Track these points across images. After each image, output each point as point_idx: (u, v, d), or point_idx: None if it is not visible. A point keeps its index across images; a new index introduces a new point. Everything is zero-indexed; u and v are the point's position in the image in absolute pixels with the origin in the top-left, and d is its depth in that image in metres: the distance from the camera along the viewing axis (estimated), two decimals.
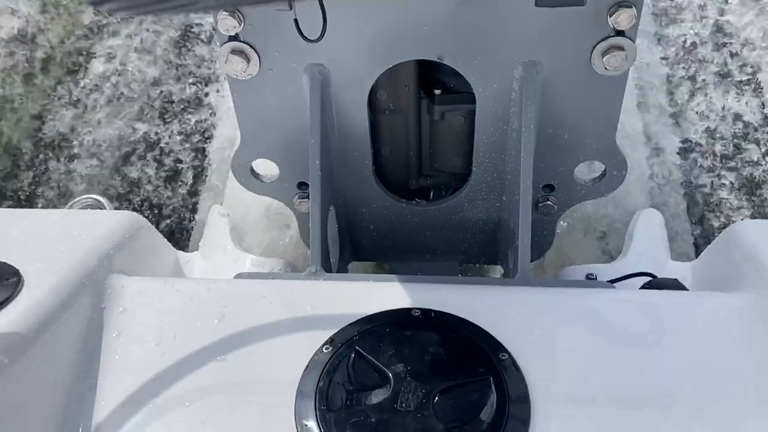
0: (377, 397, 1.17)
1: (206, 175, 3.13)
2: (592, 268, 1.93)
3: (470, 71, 1.46)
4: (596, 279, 1.79)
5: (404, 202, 1.79)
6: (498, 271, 2.23)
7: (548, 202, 1.68)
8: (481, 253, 1.90)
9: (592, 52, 1.38)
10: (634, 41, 1.36)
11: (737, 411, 1.16)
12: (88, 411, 1.21)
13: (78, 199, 2.10)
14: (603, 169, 1.63)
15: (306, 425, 1.14)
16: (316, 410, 1.15)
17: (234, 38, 1.42)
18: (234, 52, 1.43)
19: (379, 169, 1.76)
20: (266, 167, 1.73)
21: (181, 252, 1.93)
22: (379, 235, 1.86)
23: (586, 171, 1.67)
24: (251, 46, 1.43)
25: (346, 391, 1.19)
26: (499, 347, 1.24)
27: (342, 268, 1.86)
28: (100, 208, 2.05)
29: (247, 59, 1.44)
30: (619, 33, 1.35)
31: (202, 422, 1.17)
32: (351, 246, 1.91)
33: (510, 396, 1.16)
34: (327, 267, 1.59)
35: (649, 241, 2.01)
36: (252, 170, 1.71)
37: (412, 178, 1.84)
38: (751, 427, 1.14)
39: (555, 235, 1.80)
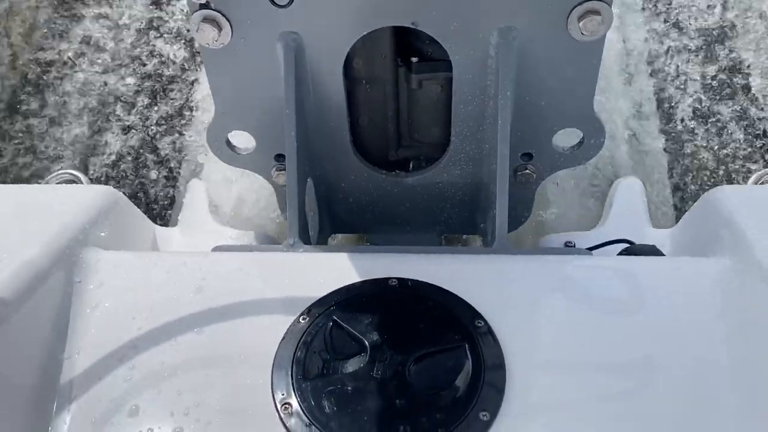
0: (353, 365, 1.17)
1: None
2: (570, 236, 1.94)
3: (446, 38, 1.44)
4: (575, 247, 1.80)
5: (383, 174, 1.77)
6: (479, 241, 2.23)
7: (527, 171, 1.67)
8: (462, 223, 1.90)
9: (568, 16, 1.36)
10: (610, 5, 1.34)
11: (712, 375, 1.17)
12: (62, 385, 1.20)
13: (55, 173, 2.08)
14: (581, 136, 1.62)
15: (282, 395, 1.14)
16: (292, 380, 1.15)
17: (205, 6, 1.39)
18: (205, 20, 1.40)
19: (358, 140, 1.75)
20: (242, 139, 1.71)
21: (159, 227, 1.92)
22: (359, 207, 1.85)
23: (565, 139, 1.66)
24: (223, 14, 1.40)
25: (322, 360, 1.19)
26: (476, 315, 1.24)
27: (322, 241, 1.85)
28: (77, 183, 2.03)
29: (219, 28, 1.41)
30: None
31: (179, 394, 1.17)
32: (331, 218, 1.90)
33: (485, 363, 1.16)
34: (305, 239, 1.58)
35: (628, 209, 2.02)
36: (228, 142, 1.69)
37: (391, 149, 1.82)
38: (725, 390, 1.15)
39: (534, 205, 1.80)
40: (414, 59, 1.60)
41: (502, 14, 1.39)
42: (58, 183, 2.02)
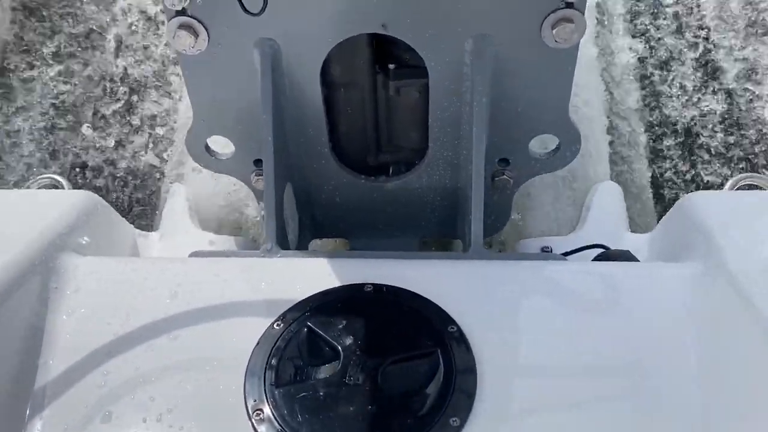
0: (326, 371, 1.18)
1: None
2: (547, 240, 1.95)
3: (421, 45, 1.45)
4: (551, 252, 1.81)
5: (363, 179, 1.78)
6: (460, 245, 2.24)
7: (504, 176, 1.68)
8: (442, 227, 1.91)
9: (541, 24, 1.38)
10: (582, 13, 1.36)
11: (681, 378, 1.18)
12: (36, 390, 1.20)
13: (36, 178, 2.07)
14: (557, 142, 1.63)
15: (254, 401, 1.15)
16: (264, 386, 1.16)
17: (181, 13, 1.39)
18: (182, 27, 1.40)
19: (337, 146, 1.75)
20: (222, 144, 1.72)
21: (140, 231, 1.92)
22: (339, 211, 1.86)
23: (541, 145, 1.68)
24: (199, 21, 1.41)
25: (295, 366, 1.19)
26: (449, 320, 1.25)
27: (302, 246, 1.86)
28: (59, 188, 2.02)
29: (196, 34, 1.41)
30: (569, 5, 1.35)
31: (152, 399, 1.18)
32: (311, 223, 1.90)
33: (457, 368, 1.17)
34: (284, 244, 1.59)
35: (606, 214, 2.03)
36: (207, 147, 1.69)
37: (371, 154, 1.83)
38: (694, 393, 1.17)
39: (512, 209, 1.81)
40: (391, 66, 1.61)
41: (476, 22, 1.40)
42: (39, 188, 2.01)
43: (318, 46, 1.46)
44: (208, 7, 1.39)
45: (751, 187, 1.86)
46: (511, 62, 1.45)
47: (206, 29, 1.42)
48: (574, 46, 1.42)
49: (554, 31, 1.38)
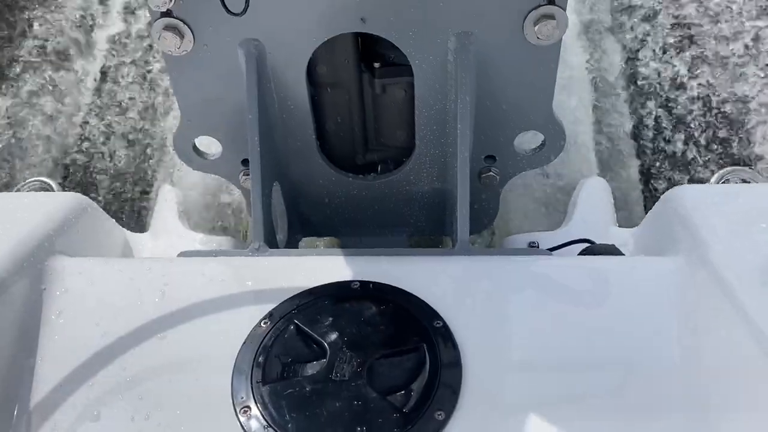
0: (313, 368, 1.19)
1: None
2: (534, 236, 1.96)
3: (405, 44, 1.46)
4: (538, 247, 1.82)
5: (350, 177, 1.79)
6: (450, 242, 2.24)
7: (490, 173, 1.70)
8: (430, 225, 1.92)
9: (523, 21, 1.39)
10: (564, 9, 1.37)
11: (664, 371, 1.20)
12: (24, 391, 1.21)
13: (26, 181, 2.08)
14: (542, 139, 1.65)
15: (241, 398, 1.16)
16: (251, 384, 1.17)
17: (166, 14, 1.40)
18: (167, 28, 1.41)
19: (325, 145, 1.77)
20: (210, 144, 1.73)
21: (130, 232, 1.92)
22: (328, 210, 1.87)
23: (526, 141, 1.69)
24: (184, 22, 1.42)
25: (282, 364, 1.20)
26: (435, 315, 1.26)
27: (292, 244, 1.87)
28: (49, 190, 2.03)
29: (181, 35, 1.42)
30: (550, 2, 1.36)
31: (140, 398, 1.18)
32: (300, 222, 1.91)
33: (442, 363, 1.18)
34: (272, 243, 1.60)
35: (592, 208, 2.04)
36: (195, 148, 1.70)
37: (358, 153, 1.84)
38: (677, 387, 1.18)
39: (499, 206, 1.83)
40: (376, 64, 1.62)
41: (459, 19, 1.41)
42: (28, 191, 2.01)
43: (302, 45, 1.47)
44: (193, 8, 1.40)
45: (737, 180, 1.87)
46: (495, 60, 1.46)
47: (192, 30, 1.43)
48: (556, 43, 1.43)
49: (536, 28, 1.39)
